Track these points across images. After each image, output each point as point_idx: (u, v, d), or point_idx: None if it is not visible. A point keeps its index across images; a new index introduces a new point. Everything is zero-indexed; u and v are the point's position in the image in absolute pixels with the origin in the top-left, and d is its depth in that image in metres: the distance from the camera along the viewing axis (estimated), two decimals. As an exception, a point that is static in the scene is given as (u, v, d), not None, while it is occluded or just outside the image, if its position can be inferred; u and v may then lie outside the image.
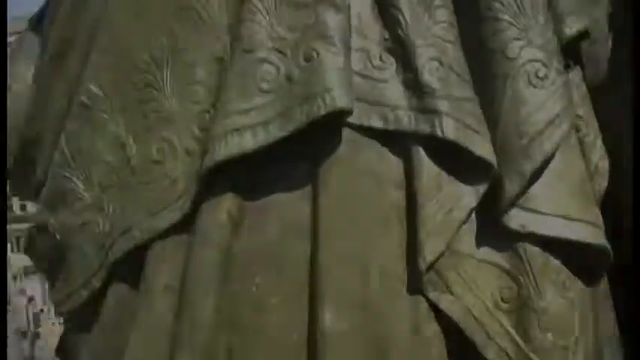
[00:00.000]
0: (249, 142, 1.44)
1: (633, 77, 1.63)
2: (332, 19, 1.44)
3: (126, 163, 1.60)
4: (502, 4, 1.47)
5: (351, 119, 1.46)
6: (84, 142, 1.65)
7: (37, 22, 2.05)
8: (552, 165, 1.50)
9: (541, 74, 1.47)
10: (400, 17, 1.48)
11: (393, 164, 1.50)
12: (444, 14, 1.50)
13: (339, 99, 1.41)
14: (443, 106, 1.44)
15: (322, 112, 1.40)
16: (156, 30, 1.57)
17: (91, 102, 1.63)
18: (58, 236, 1.72)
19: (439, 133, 1.44)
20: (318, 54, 1.42)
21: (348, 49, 1.45)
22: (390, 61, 1.49)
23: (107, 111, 1.62)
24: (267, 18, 1.46)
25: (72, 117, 1.67)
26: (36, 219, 1.82)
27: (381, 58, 1.49)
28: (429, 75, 1.45)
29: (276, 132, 1.43)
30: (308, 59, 1.43)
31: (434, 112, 1.44)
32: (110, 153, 1.62)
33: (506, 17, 1.47)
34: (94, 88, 1.62)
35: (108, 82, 1.62)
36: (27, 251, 1.91)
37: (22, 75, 2.01)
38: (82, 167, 1.66)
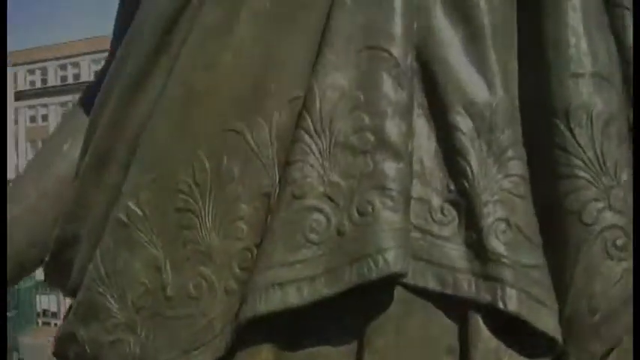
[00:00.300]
0: (292, 297, 1.32)
1: (633, 77, 1.47)
2: (391, 168, 1.32)
3: (161, 288, 1.50)
4: (583, 161, 1.33)
5: (405, 278, 1.33)
6: (119, 261, 1.56)
7: (87, 98, 2.01)
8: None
9: (620, 243, 1.32)
10: (467, 168, 1.34)
11: (446, 329, 1.36)
12: (515, 166, 1.36)
13: (393, 263, 1.28)
14: (507, 274, 1.30)
15: (374, 275, 1.28)
16: (199, 149, 1.46)
17: (129, 220, 1.53)
18: (87, 349, 1.64)
19: (501, 305, 1.30)
20: (373, 208, 1.30)
21: (407, 202, 1.32)
22: (452, 215, 1.36)
23: (145, 231, 1.52)
24: (320, 160, 1.34)
25: (108, 233, 1.58)
26: (66, 326, 1.75)
27: (442, 211, 1.36)
28: (495, 239, 1.31)
29: (322, 289, 1.31)
30: (362, 213, 1.31)
31: (497, 281, 1.31)
32: (146, 275, 1.52)
33: (586, 176, 1.33)
34: (132, 206, 1.53)
35: (147, 201, 1.52)
36: (55, 355, 1.83)
37: (63, 153, 2.00)
38: (116, 285, 1.57)
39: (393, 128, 1.33)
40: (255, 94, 1.43)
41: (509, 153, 1.36)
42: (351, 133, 1.34)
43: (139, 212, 1.52)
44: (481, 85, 1.37)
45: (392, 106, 1.33)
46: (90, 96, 2.18)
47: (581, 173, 1.34)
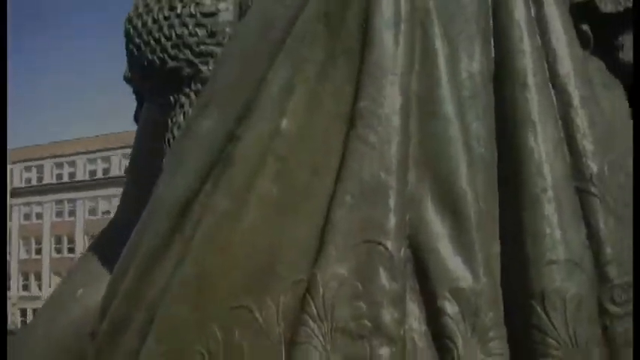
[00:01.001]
0: None
1: (633, 77, 1.59)
2: (386, 352, 1.48)
3: None
4: (557, 341, 1.51)
5: None
6: None
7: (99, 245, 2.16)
8: None
9: None
10: (453, 348, 1.51)
11: None
12: (497, 346, 1.52)
13: None
14: None
15: None
16: (212, 322, 1.61)
17: None
18: None
19: None
20: None
21: None
22: None
23: None
24: (323, 343, 1.51)
25: None
26: None
27: None
28: None
29: None
30: None
31: None
32: None
33: (559, 354, 1.50)
34: None
35: None
36: None
37: (77, 298, 2.14)
38: None
39: (387, 316, 1.50)
40: (263, 274, 1.60)
41: (492, 333, 1.53)
42: (350, 320, 1.50)
43: None
44: (467, 273, 1.55)
45: (386, 296, 1.51)
46: (102, 243, 2.34)
47: (555, 352, 1.50)
